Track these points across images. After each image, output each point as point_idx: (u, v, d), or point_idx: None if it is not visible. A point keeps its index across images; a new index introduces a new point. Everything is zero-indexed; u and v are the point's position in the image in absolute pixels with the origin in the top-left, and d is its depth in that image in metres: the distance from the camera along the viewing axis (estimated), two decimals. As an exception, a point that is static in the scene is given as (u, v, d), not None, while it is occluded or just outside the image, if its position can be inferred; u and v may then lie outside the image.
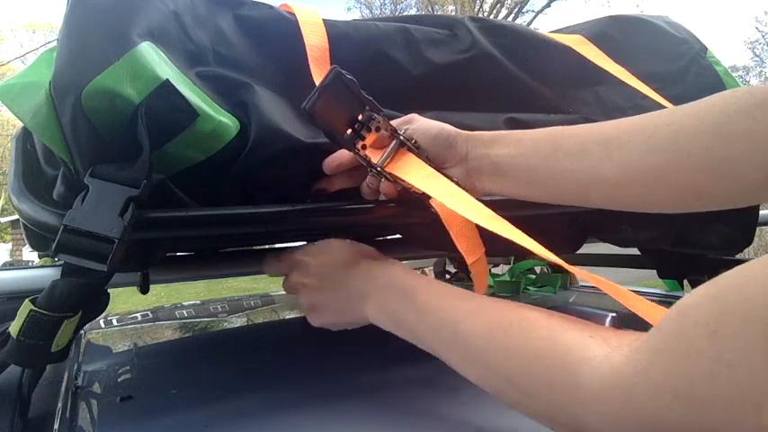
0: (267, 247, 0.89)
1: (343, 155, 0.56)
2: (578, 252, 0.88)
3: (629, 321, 0.93)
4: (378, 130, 0.54)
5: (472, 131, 0.56)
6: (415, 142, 0.55)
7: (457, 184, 0.53)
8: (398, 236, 0.91)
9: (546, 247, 0.46)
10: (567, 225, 0.81)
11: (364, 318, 0.54)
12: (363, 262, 0.54)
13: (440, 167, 0.55)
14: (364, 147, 0.54)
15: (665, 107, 0.76)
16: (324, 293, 0.55)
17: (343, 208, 0.57)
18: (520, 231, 0.48)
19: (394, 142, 0.54)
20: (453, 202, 0.50)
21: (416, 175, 0.53)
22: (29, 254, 9.77)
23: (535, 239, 0.46)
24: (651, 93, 0.77)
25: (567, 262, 0.47)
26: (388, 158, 0.54)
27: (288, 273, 0.59)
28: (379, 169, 0.54)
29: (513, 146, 0.53)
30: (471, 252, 0.57)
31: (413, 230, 0.77)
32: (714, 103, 0.44)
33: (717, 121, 0.42)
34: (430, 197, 0.54)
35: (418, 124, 0.56)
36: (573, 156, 0.49)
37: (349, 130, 0.54)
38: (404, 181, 0.54)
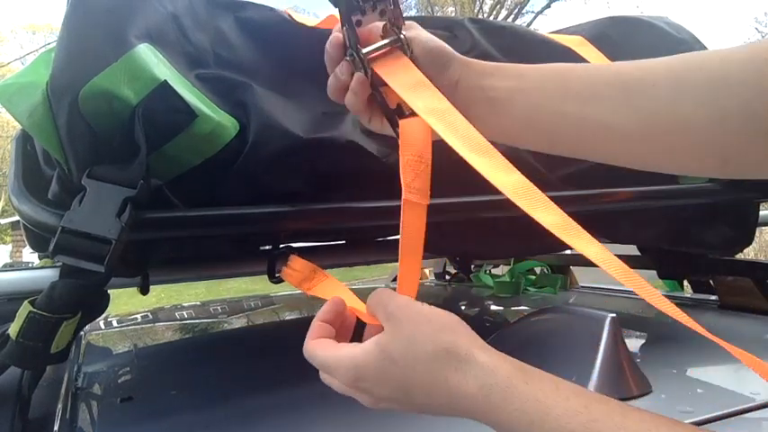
0: (267, 247, 0.89)
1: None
2: (578, 252, 0.87)
3: (629, 322, 0.93)
4: (382, 14, 0.45)
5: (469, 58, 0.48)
6: (411, 50, 0.46)
7: None
8: (399, 236, 0.91)
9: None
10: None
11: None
12: (458, 385, 0.37)
13: None
14: (359, 23, 0.45)
15: None
16: (395, 405, 0.42)
17: (344, 208, 0.57)
18: (515, 174, 0.40)
19: (392, 38, 0.46)
20: (436, 120, 0.42)
21: (403, 80, 0.44)
22: (29, 255, 9.77)
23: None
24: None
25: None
26: (378, 52, 0.45)
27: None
28: (361, 56, 0.44)
29: (514, 79, 0.45)
30: (420, 192, 0.44)
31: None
32: (758, 52, 0.35)
33: (761, 71, 0.34)
34: (403, 115, 0.45)
35: (417, 32, 0.47)
36: (583, 97, 0.42)
37: None
38: (384, 84, 0.45)
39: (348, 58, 0.45)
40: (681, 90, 0.38)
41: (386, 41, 0.45)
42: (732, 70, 0.36)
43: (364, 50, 0.44)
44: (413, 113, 0.45)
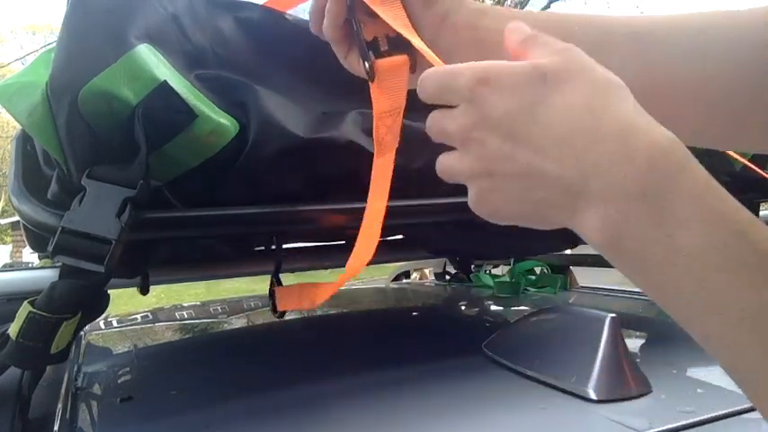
0: (266, 248, 0.89)
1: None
2: (578, 252, 0.88)
3: (629, 322, 0.93)
4: None
5: None
6: None
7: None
8: (400, 236, 0.91)
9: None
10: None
11: (574, 230, 0.28)
12: (617, 132, 0.26)
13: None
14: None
15: None
16: (511, 166, 0.28)
17: (345, 208, 0.57)
18: None
19: None
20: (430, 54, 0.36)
21: (389, 12, 0.40)
22: (29, 255, 9.77)
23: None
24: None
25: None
26: None
27: (447, 102, 0.32)
28: None
29: (509, 22, 0.36)
30: (390, 144, 0.41)
31: (414, 231, 0.77)
32: None
33: None
34: (378, 52, 0.41)
35: None
36: (585, 48, 0.32)
37: None
38: (365, 12, 0.40)
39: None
40: (694, 45, 0.33)
41: None
42: (756, 29, 0.31)
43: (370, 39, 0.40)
44: (389, 51, 0.41)
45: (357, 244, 0.46)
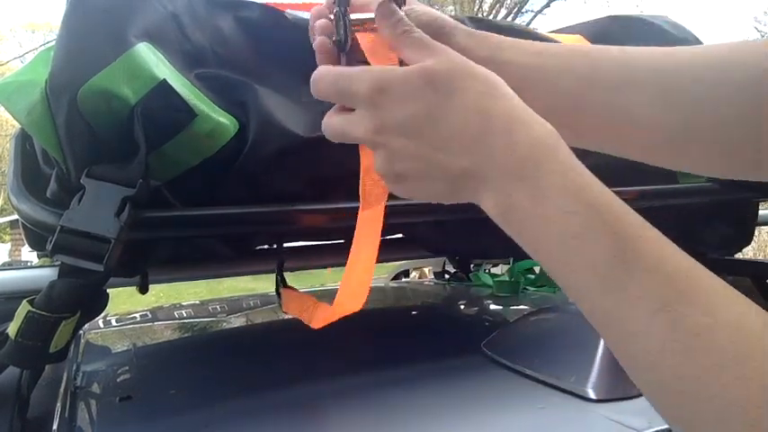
0: (266, 247, 0.89)
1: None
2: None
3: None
4: None
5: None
6: None
7: None
8: (399, 236, 0.91)
9: None
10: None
11: (478, 204, 0.33)
12: (503, 126, 0.31)
13: None
14: None
15: None
16: (418, 164, 0.33)
17: (344, 208, 0.57)
18: None
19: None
20: None
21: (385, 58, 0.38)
22: (28, 254, 9.77)
23: None
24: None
25: None
26: (364, 23, 0.39)
27: (343, 104, 0.36)
28: (346, 17, 0.38)
29: (534, 56, 0.40)
30: (373, 199, 0.41)
31: (413, 230, 0.77)
32: None
33: None
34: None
35: (410, 6, 0.41)
36: (614, 85, 0.38)
37: None
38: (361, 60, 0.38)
39: (331, 17, 0.39)
40: (719, 85, 0.36)
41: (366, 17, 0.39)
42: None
43: (352, 17, 0.39)
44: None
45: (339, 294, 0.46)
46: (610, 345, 0.29)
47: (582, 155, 0.78)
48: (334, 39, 0.40)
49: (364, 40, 0.38)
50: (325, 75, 0.35)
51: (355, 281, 0.45)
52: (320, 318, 0.52)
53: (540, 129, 0.32)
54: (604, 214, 0.29)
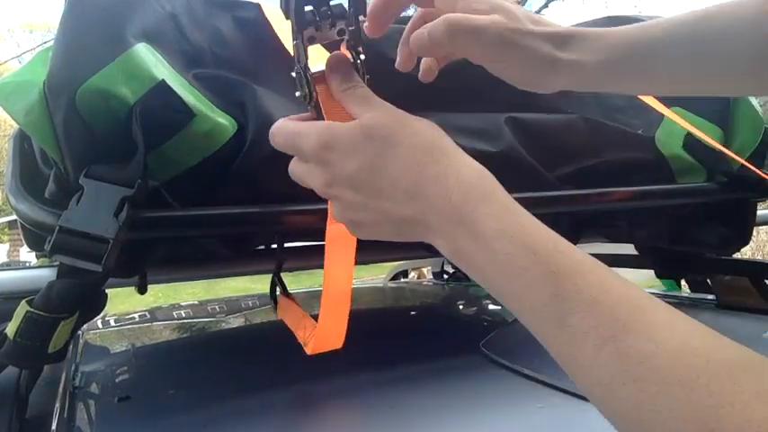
0: (266, 247, 0.89)
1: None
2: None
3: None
4: (341, 33, 0.39)
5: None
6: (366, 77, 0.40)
7: None
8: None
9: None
10: (565, 219, 0.81)
11: (430, 243, 0.35)
12: (436, 176, 0.33)
13: None
14: (312, 39, 0.39)
15: (660, 108, 0.76)
16: (369, 214, 0.35)
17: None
18: None
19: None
20: None
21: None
22: (26, 254, 9.76)
23: None
24: (647, 95, 0.77)
25: None
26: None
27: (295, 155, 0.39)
28: (307, 75, 0.39)
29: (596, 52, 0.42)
30: None
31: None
32: None
33: None
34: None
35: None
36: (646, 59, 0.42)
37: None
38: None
39: (294, 74, 0.40)
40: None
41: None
42: None
43: (313, 70, 0.39)
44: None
45: (321, 318, 0.48)
46: (571, 378, 0.30)
47: (583, 156, 0.78)
48: (297, 94, 0.41)
49: (322, 95, 0.39)
50: (280, 129, 0.38)
51: (333, 303, 0.46)
52: (313, 343, 0.53)
53: (471, 174, 0.33)
54: (540, 253, 0.29)
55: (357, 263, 0.89)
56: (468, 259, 0.32)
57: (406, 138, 0.34)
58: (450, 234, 0.32)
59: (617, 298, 0.28)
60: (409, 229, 0.35)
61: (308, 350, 0.53)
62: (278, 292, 0.75)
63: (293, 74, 0.41)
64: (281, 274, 0.74)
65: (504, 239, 0.30)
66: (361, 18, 0.39)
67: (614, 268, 0.30)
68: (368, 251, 0.87)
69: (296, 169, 0.39)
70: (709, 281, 0.97)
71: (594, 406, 0.28)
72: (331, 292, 0.47)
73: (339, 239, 0.46)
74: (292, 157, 0.42)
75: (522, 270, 0.29)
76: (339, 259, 0.47)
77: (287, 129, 0.38)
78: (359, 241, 0.58)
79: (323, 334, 0.49)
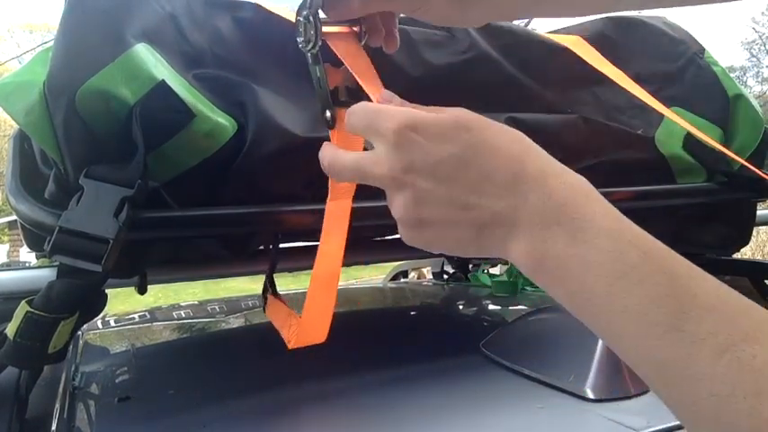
0: (264, 247, 0.89)
1: None
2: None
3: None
4: None
5: None
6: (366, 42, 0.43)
7: None
8: (397, 235, 0.91)
9: None
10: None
11: (504, 256, 0.32)
12: (537, 171, 0.31)
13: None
14: None
15: (660, 108, 0.76)
16: (447, 210, 0.32)
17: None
18: None
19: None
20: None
21: (356, 64, 0.42)
22: (26, 255, 9.75)
23: None
24: (646, 95, 0.77)
25: None
26: (333, 29, 0.43)
27: (369, 140, 0.35)
28: (317, 20, 0.41)
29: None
30: (344, 195, 0.46)
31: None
32: None
33: None
34: (338, 101, 0.44)
35: None
36: None
37: None
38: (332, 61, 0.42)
39: (301, 19, 0.41)
40: None
41: (343, 26, 0.42)
42: None
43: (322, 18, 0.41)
44: (348, 102, 0.42)
45: (308, 299, 0.47)
46: (665, 393, 0.27)
47: (583, 156, 0.79)
48: (299, 39, 0.42)
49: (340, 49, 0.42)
50: (360, 107, 0.35)
51: (322, 286, 0.47)
52: (296, 338, 0.53)
53: (573, 177, 0.32)
54: (652, 253, 0.28)
55: (357, 263, 0.90)
56: (558, 266, 0.29)
57: (502, 134, 0.32)
58: (540, 235, 0.30)
59: (736, 306, 0.26)
60: (489, 233, 0.31)
61: (291, 345, 0.52)
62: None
63: (299, 18, 0.41)
64: (281, 275, 0.74)
65: (611, 238, 0.28)
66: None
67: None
68: (368, 251, 0.87)
69: (344, 158, 0.36)
70: (708, 281, 0.97)
71: (688, 421, 0.26)
72: (320, 273, 0.47)
73: (336, 215, 0.46)
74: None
75: (631, 268, 0.27)
76: (334, 235, 0.46)
77: (368, 107, 0.35)
78: (357, 241, 0.58)
79: (307, 318, 0.48)
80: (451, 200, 0.31)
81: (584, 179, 0.32)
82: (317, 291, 0.48)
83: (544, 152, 0.33)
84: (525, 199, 0.30)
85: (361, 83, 0.41)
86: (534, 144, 0.33)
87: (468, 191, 0.31)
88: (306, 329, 0.49)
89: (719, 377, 0.24)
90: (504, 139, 0.32)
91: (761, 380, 0.23)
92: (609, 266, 0.28)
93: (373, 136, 0.34)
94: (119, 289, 0.67)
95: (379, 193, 0.58)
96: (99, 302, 0.56)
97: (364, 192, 0.59)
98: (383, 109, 0.33)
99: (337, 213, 0.46)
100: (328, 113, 0.43)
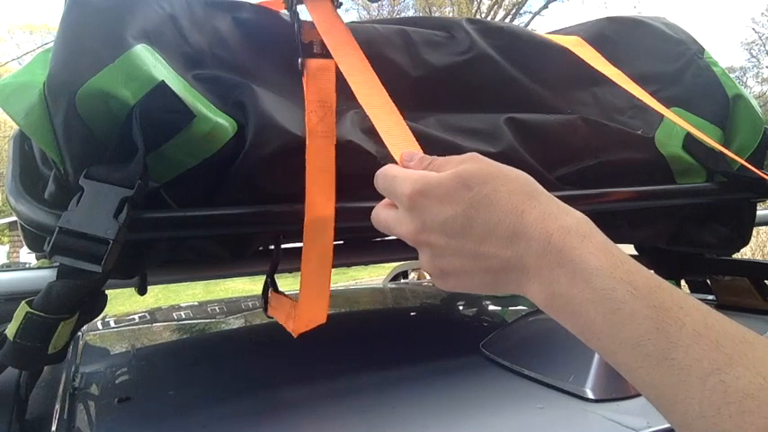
0: (264, 248, 0.89)
1: None
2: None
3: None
4: None
5: None
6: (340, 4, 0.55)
7: None
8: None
9: None
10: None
11: (523, 294, 0.36)
12: (535, 219, 0.34)
13: None
14: None
15: (660, 108, 0.76)
16: (462, 261, 0.36)
17: (342, 208, 0.57)
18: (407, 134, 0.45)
19: None
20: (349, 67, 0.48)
21: (326, 24, 0.51)
22: (26, 255, 9.75)
23: None
24: (646, 96, 0.77)
25: None
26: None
27: (390, 200, 0.41)
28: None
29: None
30: (326, 133, 0.51)
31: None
32: None
33: None
34: (312, 53, 0.52)
35: None
36: None
37: None
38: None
39: None
40: None
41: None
42: None
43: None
44: (321, 54, 0.50)
45: (303, 279, 0.49)
46: (665, 416, 0.29)
47: (582, 156, 0.79)
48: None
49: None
50: (383, 172, 0.41)
51: (315, 247, 0.49)
52: (298, 323, 0.53)
53: (570, 218, 0.34)
54: (640, 288, 0.30)
55: (357, 263, 0.90)
56: (566, 303, 0.32)
57: (502, 185, 0.35)
58: (548, 277, 0.32)
59: (721, 333, 0.28)
60: (504, 277, 0.35)
61: (295, 333, 0.53)
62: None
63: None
64: (281, 276, 0.74)
65: (603, 276, 0.31)
66: None
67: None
68: (368, 251, 0.87)
69: (381, 215, 0.41)
70: (708, 281, 0.98)
71: None
72: (312, 246, 0.49)
73: (320, 169, 0.50)
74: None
75: (621, 304, 0.29)
76: (319, 195, 0.50)
77: (388, 173, 0.40)
78: (357, 242, 0.58)
79: (305, 300, 0.50)
80: (463, 252, 0.35)
81: (583, 217, 0.34)
82: (311, 268, 0.49)
83: (545, 195, 0.35)
84: (528, 246, 0.33)
85: (325, 41, 0.50)
86: (534, 187, 0.36)
87: (476, 243, 0.35)
88: (305, 312, 0.49)
89: (707, 400, 0.26)
90: (503, 191, 0.35)
91: (745, 400, 0.25)
92: (603, 304, 0.30)
93: (394, 199, 0.39)
94: (119, 290, 0.67)
95: (379, 195, 0.58)
96: (99, 303, 0.56)
97: (364, 192, 0.59)
98: (399, 176, 0.39)
99: (320, 153, 0.49)
100: (300, 61, 0.51)
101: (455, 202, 0.35)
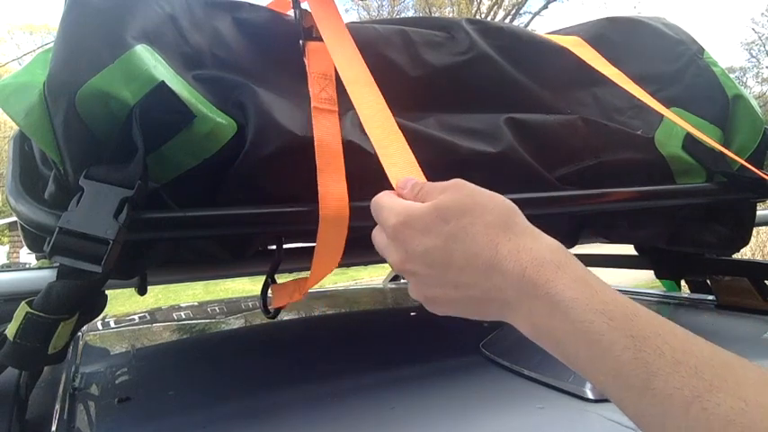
0: (264, 248, 0.89)
1: None
2: (576, 253, 0.88)
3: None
4: None
5: None
6: None
7: None
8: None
9: None
10: (564, 219, 0.81)
11: (508, 322, 0.36)
12: (509, 252, 0.34)
13: None
14: None
15: (660, 108, 0.76)
16: (444, 290, 0.37)
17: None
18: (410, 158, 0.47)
19: None
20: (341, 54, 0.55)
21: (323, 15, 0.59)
22: (26, 256, 9.75)
23: None
24: (646, 96, 0.77)
25: None
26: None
27: (383, 234, 0.42)
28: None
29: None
30: (328, 101, 0.58)
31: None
32: None
33: None
34: (311, 37, 0.60)
35: None
36: None
37: None
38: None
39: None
40: None
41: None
42: None
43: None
44: (319, 38, 0.58)
45: (318, 239, 0.53)
46: None
47: (582, 156, 0.79)
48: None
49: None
50: (375, 201, 0.43)
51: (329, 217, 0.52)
52: (307, 282, 0.57)
53: (544, 248, 0.34)
54: (617, 319, 0.30)
55: (357, 263, 0.89)
56: (547, 334, 0.33)
57: (479, 217, 0.36)
58: (527, 309, 0.33)
59: (700, 358, 0.28)
60: (487, 306, 0.36)
61: (308, 284, 0.57)
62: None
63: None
64: (280, 276, 0.74)
65: (579, 308, 0.31)
66: None
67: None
68: (368, 252, 0.87)
69: (377, 238, 0.42)
70: (708, 281, 0.97)
71: None
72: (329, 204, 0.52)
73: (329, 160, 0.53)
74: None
75: (600, 335, 0.30)
76: (332, 176, 0.53)
77: (378, 202, 0.42)
78: (356, 242, 0.58)
79: (322, 246, 0.54)
80: (446, 282, 0.37)
81: (557, 245, 0.35)
82: (328, 223, 0.52)
83: (520, 225, 0.36)
84: (503, 279, 0.34)
85: (318, 26, 0.59)
86: (510, 218, 0.36)
87: (456, 273, 0.36)
88: (320, 262, 0.54)
89: (691, 428, 0.26)
90: (479, 224, 0.36)
91: (728, 426, 0.25)
92: (582, 336, 0.30)
93: (383, 228, 0.41)
94: (119, 290, 0.67)
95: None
96: (99, 303, 0.56)
97: (365, 191, 0.59)
98: (385, 206, 0.41)
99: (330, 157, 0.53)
100: (301, 43, 0.60)
101: (434, 234, 0.36)
